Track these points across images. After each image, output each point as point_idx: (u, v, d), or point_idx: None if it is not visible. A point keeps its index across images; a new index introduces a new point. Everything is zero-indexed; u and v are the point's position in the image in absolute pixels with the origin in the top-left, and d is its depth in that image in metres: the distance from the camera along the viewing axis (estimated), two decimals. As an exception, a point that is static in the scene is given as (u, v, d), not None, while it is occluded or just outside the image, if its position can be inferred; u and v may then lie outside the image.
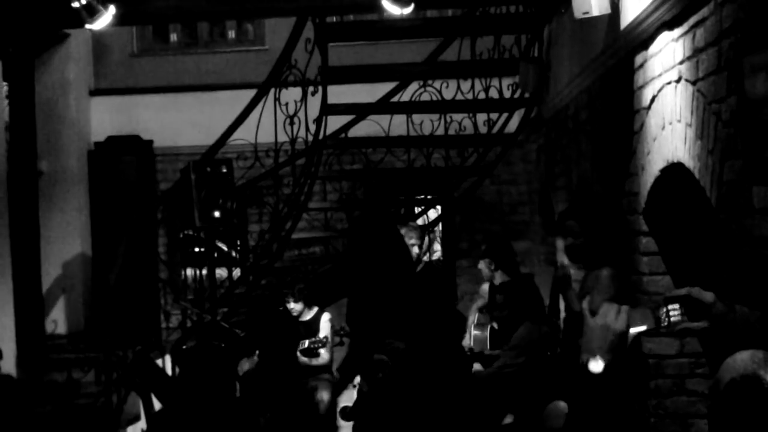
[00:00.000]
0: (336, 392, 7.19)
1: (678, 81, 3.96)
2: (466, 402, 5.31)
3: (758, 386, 1.94)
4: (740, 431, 1.93)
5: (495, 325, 6.95)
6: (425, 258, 9.08)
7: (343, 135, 8.61)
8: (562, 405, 2.96)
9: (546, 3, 7.40)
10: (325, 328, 7.40)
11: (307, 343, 7.17)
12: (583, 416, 2.16)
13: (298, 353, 7.20)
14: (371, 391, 5.55)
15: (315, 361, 7.23)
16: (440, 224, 10.04)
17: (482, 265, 7.20)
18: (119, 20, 6.49)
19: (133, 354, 7.18)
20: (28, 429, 7.01)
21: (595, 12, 5.02)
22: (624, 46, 4.91)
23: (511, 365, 5.92)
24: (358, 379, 7.02)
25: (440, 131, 8.51)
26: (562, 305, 6.90)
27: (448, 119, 8.48)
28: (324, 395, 7.01)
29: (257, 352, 6.94)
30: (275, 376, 5.23)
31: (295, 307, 7.42)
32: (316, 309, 7.52)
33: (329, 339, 7.31)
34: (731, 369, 1.99)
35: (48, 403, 7.50)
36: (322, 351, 7.27)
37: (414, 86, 8.46)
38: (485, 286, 7.36)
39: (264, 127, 7.99)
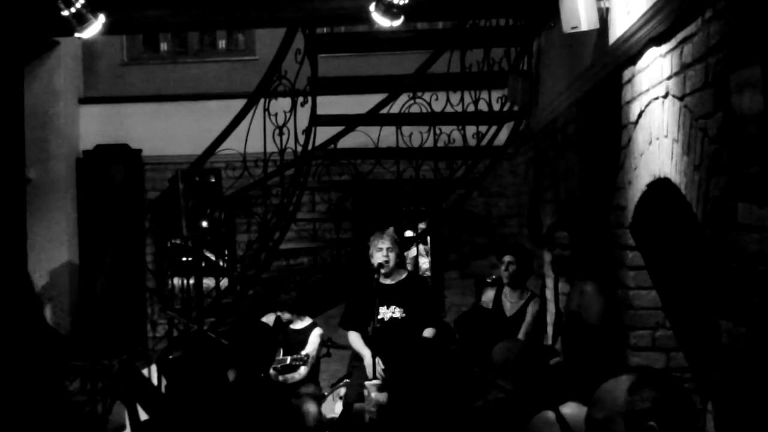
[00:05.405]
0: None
1: (665, 96, 3.98)
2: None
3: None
4: None
5: None
6: (410, 268, 9.08)
7: (332, 146, 8.62)
8: (550, 415, 2.95)
9: (535, 17, 7.42)
10: (313, 342, 7.22)
11: (289, 359, 7.02)
12: None
13: (273, 371, 6.85)
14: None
15: (292, 379, 7.07)
16: (429, 236, 10.05)
17: (507, 258, 6.72)
18: (109, 29, 6.47)
19: (119, 363, 7.13)
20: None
21: (584, 27, 5.04)
22: (612, 61, 4.93)
23: (503, 390, 4.34)
24: (342, 390, 6.97)
25: (429, 143, 8.52)
26: (549, 318, 6.89)
27: (438, 131, 8.49)
28: (310, 407, 6.91)
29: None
30: (256, 389, 5.16)
31: (286, 314, 7.30)
32: (309, 320, 7.38)
33: (311, 356, 7.14)
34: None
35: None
36: (302, 368, 7.09)
37: (404, 98, 8.48)
38: (491, 293, 6.97)
39: (253, 137, 7.99)
